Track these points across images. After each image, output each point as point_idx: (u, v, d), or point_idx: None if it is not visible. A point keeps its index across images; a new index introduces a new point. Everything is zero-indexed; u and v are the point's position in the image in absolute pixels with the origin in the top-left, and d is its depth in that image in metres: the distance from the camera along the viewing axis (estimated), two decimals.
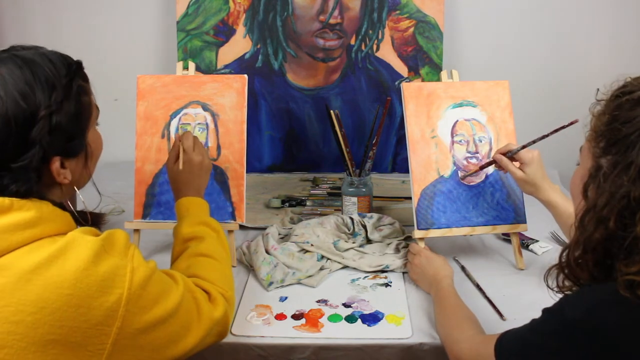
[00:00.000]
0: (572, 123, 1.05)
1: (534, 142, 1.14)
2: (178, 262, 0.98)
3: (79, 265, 0.70)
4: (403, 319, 1.04)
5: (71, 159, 0.81)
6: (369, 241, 1.30)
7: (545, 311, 0.75)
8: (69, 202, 0.85)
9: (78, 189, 0.86)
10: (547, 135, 1.11)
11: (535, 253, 1.30)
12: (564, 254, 0.77)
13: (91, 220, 0.88)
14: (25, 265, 0.70)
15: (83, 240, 0.73)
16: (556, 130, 1.09)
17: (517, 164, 1.16)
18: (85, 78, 0.84)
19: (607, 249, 0.71)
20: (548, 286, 0.80)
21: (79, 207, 0.94)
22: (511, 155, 1.16)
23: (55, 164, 0.78)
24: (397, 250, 1.26)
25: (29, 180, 0.75)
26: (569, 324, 0.69)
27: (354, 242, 1.28)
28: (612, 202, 0.69)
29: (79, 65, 0.84)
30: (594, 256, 0.72)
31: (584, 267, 0.74)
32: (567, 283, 0.78)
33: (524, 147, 1.14)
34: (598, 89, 0.78)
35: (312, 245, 1.24)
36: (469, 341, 0.89)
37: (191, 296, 0.84)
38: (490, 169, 1.24)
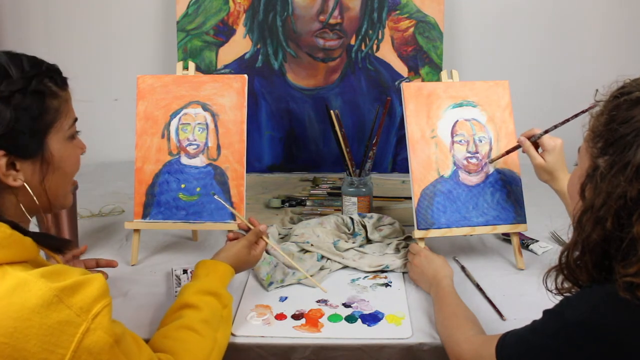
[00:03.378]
0: (591, 107, 1.04)
1: (555, 127, 1.13)
2: (165, 330, 0.89)
3: (21, 314, 0.63)
4: (403, 319, 1.04)
5: (23, 161, 0.75)
6: (369, 241, 1.30)
7: (546, 312, 0.75)
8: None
9: (36, 208, 0.78)
10: (568, 120, 1.10)
11: (535, 253, 1.30)
12: (563, 255, 0.77)
13: (55, 245, 0.80)
14: None
15: (35, 285, 0.65)
16: (576, 115, 1.07)
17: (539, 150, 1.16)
18: (59, 83, 0.79)
19: (606, 250, 0.71)
20: (547, 289, 0.80)
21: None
22: (534, 140, 1.15)
23: (1, 160, 0.73)
24: (397, 250, 1.26)
25: None
26: (570, 325, 0.69)
27: (354, 242, 1.28)
28: (609, 203, 0.69)
29: (51, 68, 0.79)
30: (593, 257, 0.72)
31: (583, 268, 0.74)
32: (566, 285, 0.78)
33: (546, 131, 1.13)
34: (597, 90, 0.78)
35: (312, 245, 1.24)
36: (469, 342, 0.89)
37: None
38: (491, 168, 1.24)
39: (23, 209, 0.77)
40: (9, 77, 0.74)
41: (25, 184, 0.76)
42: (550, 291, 0.80)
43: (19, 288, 0.65)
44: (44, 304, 0.64)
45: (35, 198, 0.77)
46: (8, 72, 0.74)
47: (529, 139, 1.16)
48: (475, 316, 0.98)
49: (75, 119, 0.83)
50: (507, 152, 1.22)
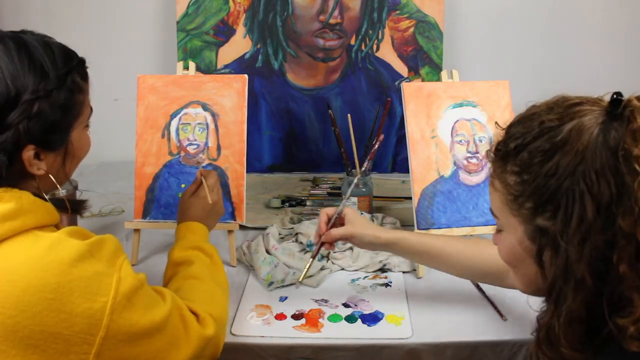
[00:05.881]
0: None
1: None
2: (169, 286, 0.96)
3: (62, 269, 0.68)
4: (403, 319, 1.04)
5: (48, 152, 0.79)
6: None
7: None
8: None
9: (53, 188, 0.83)
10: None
11: None
12: (544, 334, 0.66)
13: (71, 208, 0.86)
14: (5, 265, 0.68)
15: (68, 242, 0.71)
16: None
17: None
18: (84, 76, 0.83)
19: (592, 311, 0.62)
20: None
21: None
22: (337, 215, 1.04)
23: (29, 152, 0.75)
24: None
25: None
26: None
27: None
28: (581, 259, 0.60)
29: (80, 62, 0.83)
30: (581, 326, 0.63)
31: (569, 339, 0.63)
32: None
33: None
34: (488, 150, 0.72)
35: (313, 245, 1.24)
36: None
37: (179, 314, 0.82)
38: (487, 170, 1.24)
39: (43, 193, 0.80)
40: (46, 75, 0.76)
41: (50, 176, 0.80)
42: None
43: (54, 246, 0.70)
44: (79, 258, 0.70)
45: (55, 182, 0.81)
46: (45, 69, 0.76)
47: (330, 222, 1.05)
48: None
49: (92, 109, 0.86)
50: (318, 250, 1.08)
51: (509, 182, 0.67)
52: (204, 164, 1.24)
